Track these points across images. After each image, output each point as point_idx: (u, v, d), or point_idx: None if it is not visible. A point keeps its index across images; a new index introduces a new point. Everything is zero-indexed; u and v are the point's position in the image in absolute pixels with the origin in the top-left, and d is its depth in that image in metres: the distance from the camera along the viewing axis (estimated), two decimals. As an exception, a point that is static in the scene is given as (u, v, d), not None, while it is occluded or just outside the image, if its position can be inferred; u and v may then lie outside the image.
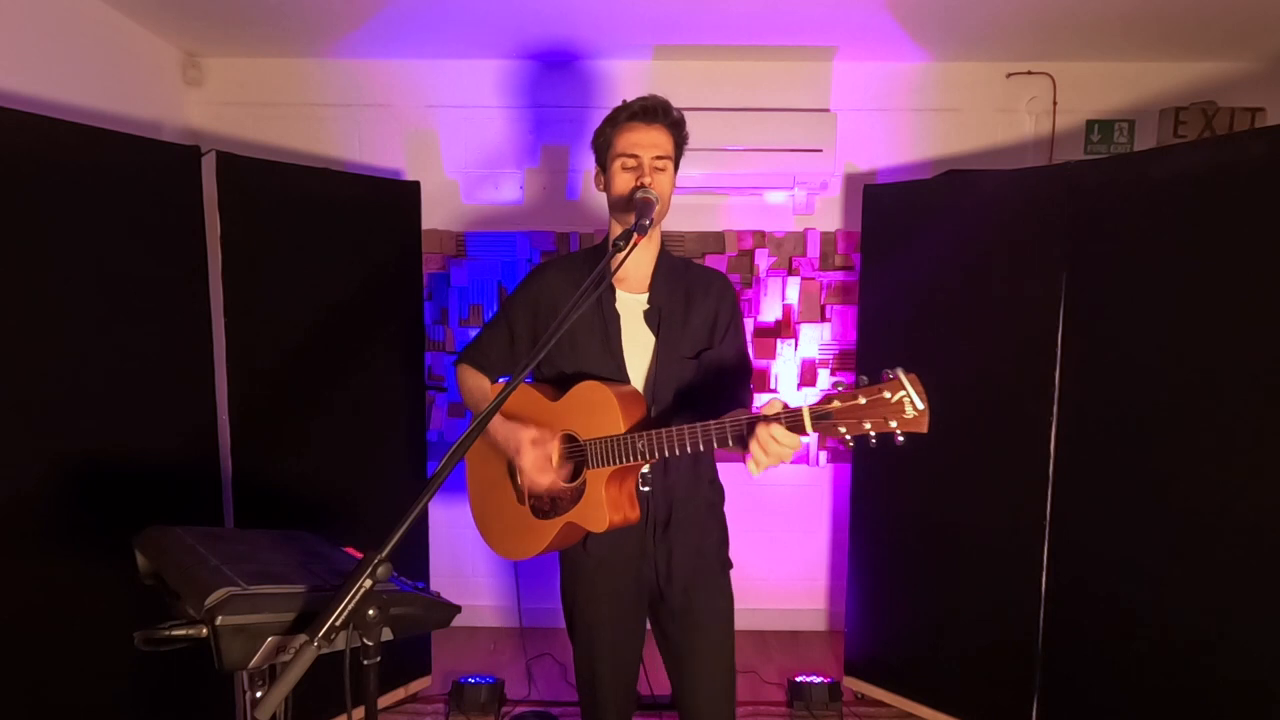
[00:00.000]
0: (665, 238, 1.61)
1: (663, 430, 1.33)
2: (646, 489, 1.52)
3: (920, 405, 1.08)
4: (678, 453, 1.32)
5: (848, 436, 1.14)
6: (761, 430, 1.20)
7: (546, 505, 1.52)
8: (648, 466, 1.52)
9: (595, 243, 3.02)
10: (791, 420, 1.17)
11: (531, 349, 1.53)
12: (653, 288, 1.54)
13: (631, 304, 1.54)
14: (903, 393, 1.08)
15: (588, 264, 1.58)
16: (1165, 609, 1.99)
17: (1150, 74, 2.93)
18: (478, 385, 1.61)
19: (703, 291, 1.56)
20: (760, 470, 1.22)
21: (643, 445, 1.35)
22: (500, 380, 1.63)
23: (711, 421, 1.27)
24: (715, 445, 1.28)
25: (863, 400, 1.11)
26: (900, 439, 1.10)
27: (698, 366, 1.53)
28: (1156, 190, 1.98)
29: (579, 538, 1.55)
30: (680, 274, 1.58)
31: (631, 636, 1.63)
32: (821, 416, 1.15)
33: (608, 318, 1.52)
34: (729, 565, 1.64)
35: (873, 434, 1.11)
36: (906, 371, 1.09)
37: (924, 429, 1.08)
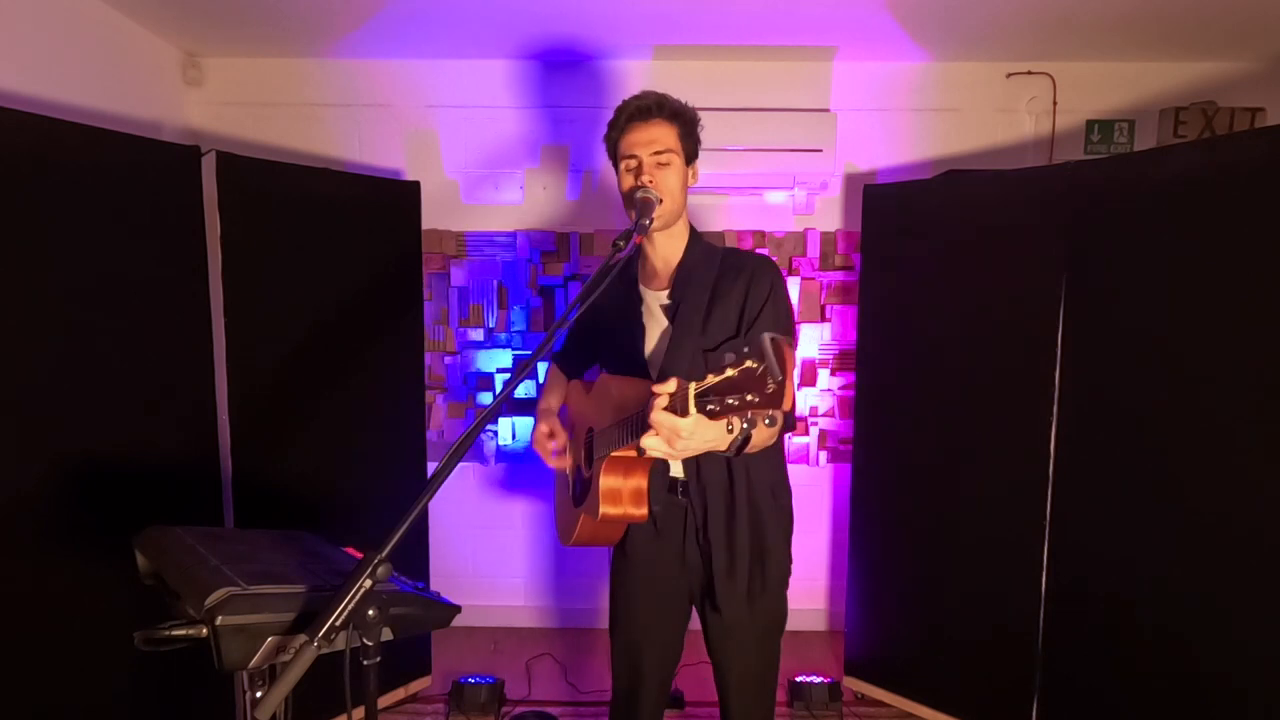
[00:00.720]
0: (694, 233, 1.58)
1: (631, 414, 1.30)
2: (684, 498, 1.51)
3: (778, 376, 0.91)
4: (629, 437, 1.27)
5: (721, 416, 1.00)
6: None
7: (580, 496, 1.56)
8: (680, 470, 1.51)
9: (596, 242, 3.05)
10: (679, 401, 1.07)
11: (588, 348, 1.78)
12: (675, 283, 1.52)
13: (655, 300, 1.54)
14: (763, 365, 0.92)
15: (630, 264, 1.61)
16: (1165, 609, 1.99)
17: (1150, 74, 2.93)
18: (552, 378, 1.81)
19: (733, 277, 1.47)
20: (661, 453, 1.14)
21: (618, 432, 1.36)
22: (579, 378, 1.80)
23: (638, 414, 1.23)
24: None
25: (732, 373, 0.97)
26: (767, 421, 0.96)
27: (713, 359, 1.48)
28: (1156, 190, 1.98)
29: (612, 533, 1.57)
30: (711, 264, 1.51)
31: (672, 639, 1.63)
32: (702, 394, 1.02)
33: (631, 315, 1.54)
34: (783, 581, 1.58)
35: (742, 413, 0.97)
36: (774, 339, 0.92)
37: (784, 405, 0.92)
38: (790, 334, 1.53)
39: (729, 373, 0.97)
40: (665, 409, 1.10)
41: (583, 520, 1.52)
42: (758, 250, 3.05)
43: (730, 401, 0.97)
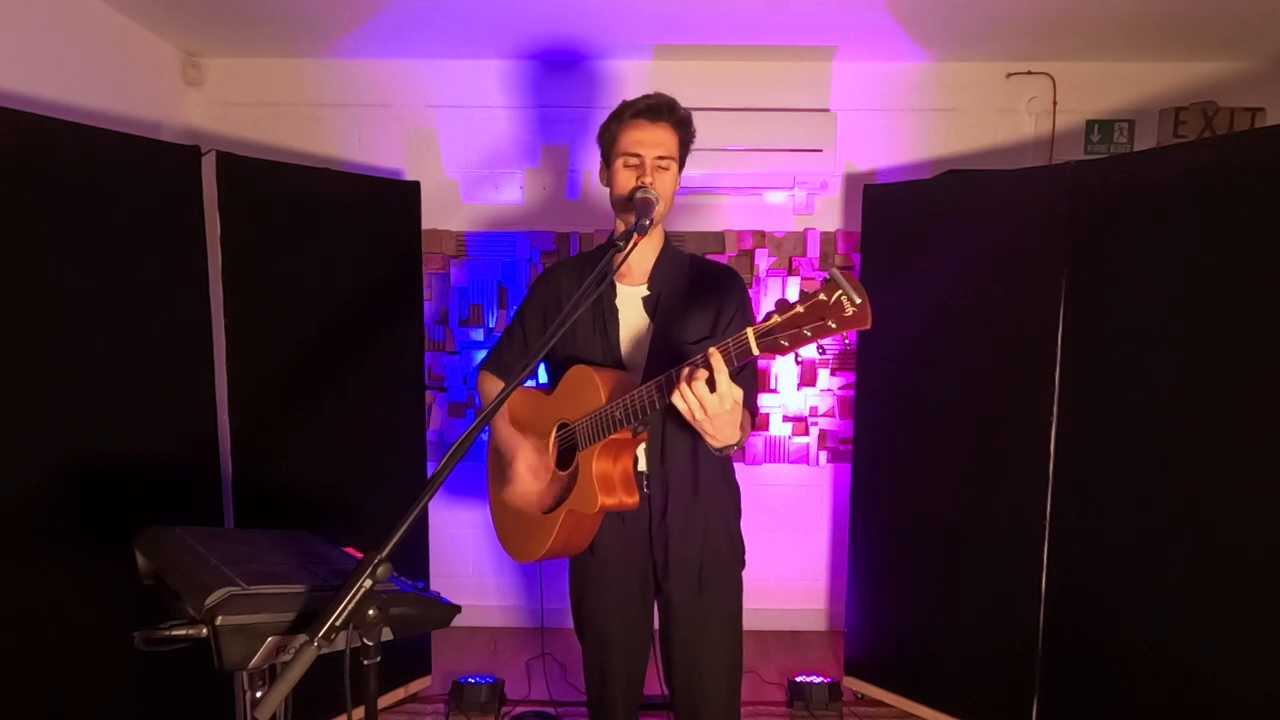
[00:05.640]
0: (666, 236, 1.61)
1: (634, 390, 1.32)
2: (646, 491, 1.52)
3: (857, 299, 1.03)
4: (650, 408, 1.30)
5: (792, 349, 1.11)
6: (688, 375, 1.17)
7: (551, 500, 1.53)
8: (644, 464, 1.52)
9: (596, 242, 3.05)
10: (738, 347, 1.15)
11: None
12: (653, 278, 1.56)
13: (631, 295, 1.56)
14: (839, 291, 1.04)
15: (592, 263, 1.58)
16: (1165, 610, 1.99)
17: (1150, 74, 2.93)
18: (494, 388, 1.68)
19: (709, 283, 1.55)
20: (689, 410, 1.18)
21: (619, 412, 1.35)
22: (525, 384, 1.64)
23: (673, 370, 1.25)
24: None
25: (801, 309, 1.08)
26: (846, 341, 1.07)
27: (697, 352, 1.53)
28: (1156, 190, 1.98)
29: (586, 536, 1.55)
30: (684, 266, 1.58)
31: (642, 635, 1.62)
32: (765, 334, 1.12)
33: (606, 311, 1.54)
34: (740, 566, 1.62)
35: (816, 340, 1.08)
36: (842, 270, 1.05)
37: (867, 324, 1.05)
38: None
39: (798, 309, 1.08)
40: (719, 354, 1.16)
41: (566, 520, 1.48)
42: (757, 250, 3.06)
43: (807, 332, 1.07)
